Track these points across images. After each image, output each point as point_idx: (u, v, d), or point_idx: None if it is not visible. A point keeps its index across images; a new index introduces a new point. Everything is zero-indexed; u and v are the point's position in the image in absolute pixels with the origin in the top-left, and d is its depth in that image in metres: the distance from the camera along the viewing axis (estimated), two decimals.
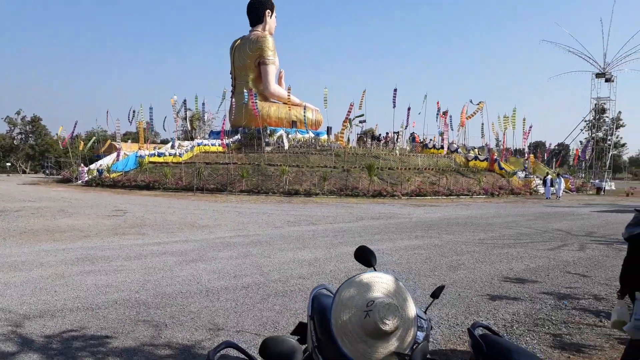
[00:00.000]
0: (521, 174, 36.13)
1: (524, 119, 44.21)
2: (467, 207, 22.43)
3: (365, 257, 2.55)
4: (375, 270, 2.39)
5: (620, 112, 70.71)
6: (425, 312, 2.41)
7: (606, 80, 54.26)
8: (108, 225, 13.40)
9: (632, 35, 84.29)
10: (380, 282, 2.11)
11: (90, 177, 32.99)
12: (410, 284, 7.10)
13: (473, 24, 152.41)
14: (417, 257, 9.39)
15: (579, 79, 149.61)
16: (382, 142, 42.21)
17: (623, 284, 3.49)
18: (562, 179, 32.96)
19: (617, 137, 71.90)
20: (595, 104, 56.32)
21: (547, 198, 30.60)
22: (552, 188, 31.50)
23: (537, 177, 37.21)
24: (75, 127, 41.55)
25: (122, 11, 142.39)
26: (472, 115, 41.42)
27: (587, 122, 60.25)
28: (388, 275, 2.16)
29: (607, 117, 60.52)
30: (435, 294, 2.48)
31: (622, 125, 74.90)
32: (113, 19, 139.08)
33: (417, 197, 27.51)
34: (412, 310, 2.06)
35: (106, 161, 34.79)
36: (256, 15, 43.71)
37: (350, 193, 27.05)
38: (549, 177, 33.16)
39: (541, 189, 35.16)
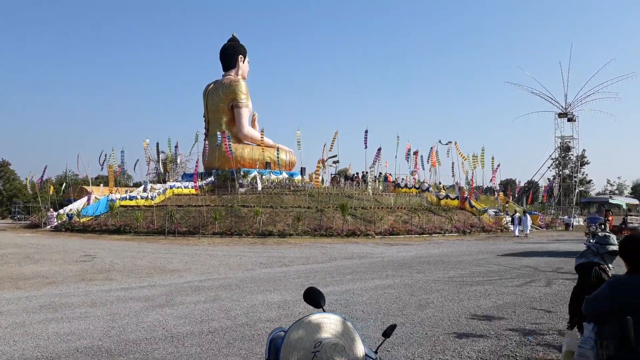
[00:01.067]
0: (492, 212, 36.75)
1: (493, 158, 45.42)
2: (439, 245, 22.64)
3: (314, 298, 2.60)
4: (324, 311, 2.44)
5: (584, 150, 73.01)
6: (376, 352, 2.44)
7: (568, 120, 56.34)
8: (75, 271, 13.09)
9: (590, 77, 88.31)
10: (328, 323, 2.16)
11: (59, 222, 32.29)
12: (375, 324, 7.11)
13: (440, 66, 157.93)
14: (387, 297, 9.42)
15: (543, 118, 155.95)
16: (354, 181, 42.61)
17: (572, 314, 3.59)
18: (529, 216, 33.22)
19: (582, 174, 74.00)
20: (560, 143, 58.23)
21: (515, 236, 30.63)
22: (519, 226, 31.92)
23: (507, 214, 37.88)
24: (45, 171, 40.91)
25: (94, 54, 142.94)
26: (464, 157, 42.17)
27: (554, 160, 62.04)
28: (336, 315, 2.21)
29: (572, 154, 62.49)
30: (387, 333, 2.53)
31: (587, 163, 77.17)
32: (83, 61, 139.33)
33: (391, 236, 27.66)
34: (360, 350, 2.11)
35: (76, 205, 34.18)
36: (229, 60, 44.41)
37: (324, 233, 27.05)
38: (517, 214, 33.55)
39: (511, 226, 35.74)
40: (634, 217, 22.13)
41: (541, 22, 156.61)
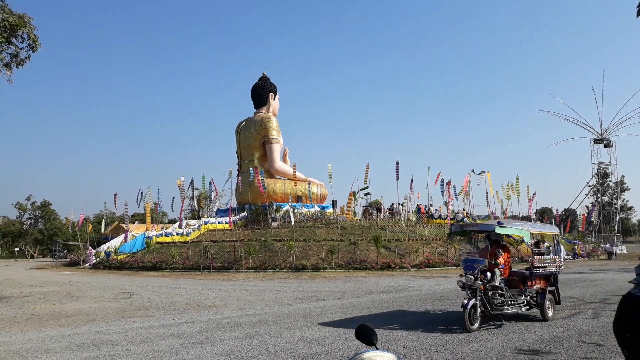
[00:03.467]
0: (529, 241, 35.78)
1: (528, 186, 44.49)
2: None
3: (366, 335, 2.58)
4: (377, 348, 2.42)
5: (623, 176, 70.97)
6: None
7: (605, 146, 54.98)
8: (114, 308, 13.28)
9: (625, 102, 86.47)
10: None
11: (97, 259, 32.93)
12: None
13: (471, 96, 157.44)
14: (429, 332, 9.20)
15: (578, 145, 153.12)
16: (385, 213, 42.31)
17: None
18: (562, 247, 29.93)
19: (623, 201, 71.72)
20: (597, 169, 56.71)
21: None
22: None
23: (545, 243, 36.82)
24: (84, 210, 42.11)
25: (130, 95, 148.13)
26: (491, 189, 41.53)
27: (591, 187, 60.39)
28: (389, 354, 2.19)
29: (610, 181, 60.76)
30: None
31: (627, 189, 74.91)
32: (118, 101, 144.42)
33: (427, 269, 27.17)
34: None
35: (114, 243, 34.84)
36: (260, 98, 45.32)
37: (358, 266, 26.76)
38: (546, 244, 31.32)
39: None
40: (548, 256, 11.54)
41: (571, 48, 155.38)
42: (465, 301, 9.15)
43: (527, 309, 10.55)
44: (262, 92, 45.33)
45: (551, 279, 11.07)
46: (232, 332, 9.43)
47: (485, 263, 9.68)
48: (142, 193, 41.51)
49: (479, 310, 9.27)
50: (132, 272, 27.92)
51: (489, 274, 9.64)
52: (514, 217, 45.14)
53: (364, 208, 44.86)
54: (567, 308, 12.11)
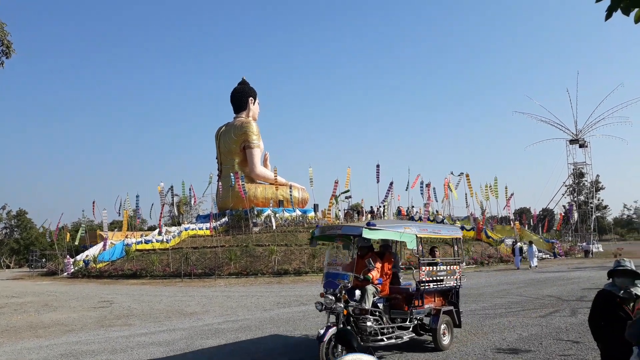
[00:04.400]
0: (509, 241, 36.27)
1: (506, 187, 45.13)
2: None
3: (347, 339, 2.62)
4: (357, 352, 2.44)
5: (598, 176, 72.47)
6: None
7: (580, 146, 56.08)
8: (94, 318, 13.09)
9: (599, 103, 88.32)
10: None
11: (76, 268, 32.38)
12: None
13: (449, 99, 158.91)
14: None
15: (554, 145, 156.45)
16: (365, 216, 42.50)
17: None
18: (535, 246, 30.03)
19: (598, 200, 73.20)
20: (573, 169, 57.80)
21: (517, 268, 27.90)
22: (520, 256, 29.09)
23: (524, 243, 37.41)
24: (60, 218, 41.40)
25: (106, 101, 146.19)
26: (469, 189, 42.05)
27: (568, 187, 61.50)
28: (370, 357, 2.22)
29: (586, 180, 61.97)
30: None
31: (602, 188, 76.51)
32: (95, 108, 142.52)
33: (407, 270, 27.29)
34: None
35: (92, 251, 34.31)
36: (240, 103, 45.20)
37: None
38: (518, 244, 30.95)
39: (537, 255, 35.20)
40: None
41: (546, 51, 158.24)
42: (322, 331, 6.76)
43: (415, 336, 8.12)
44: (241, 97, 45.22)
45: (450, 295, 8.85)
46: (213, 339, 9.37)
47: (349, 278, 7.23)
48: (121, 200, 41.07)
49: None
50: (111, 281, 27.54)
51: (357, 292, 7.23)
52: (492, 218, 45.81)
53: (346, 211, 45.00)
54: (545, 306, 12.31)
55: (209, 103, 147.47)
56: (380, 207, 42.51)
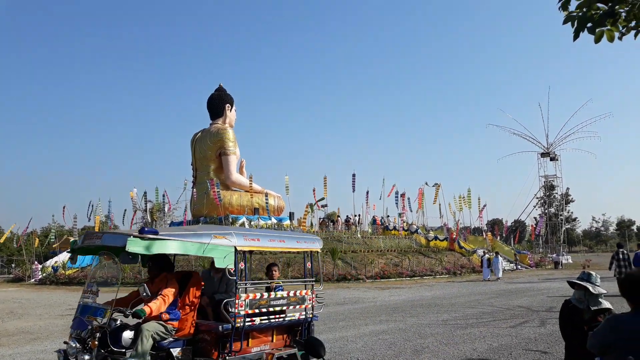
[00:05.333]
0: (480, 252, 36.79)
1: (479, 198, 45.81)
2: (431, 288, 22.51)
3: (314, 348, 2.62)
4: None
5: (568, 188, 74.13)
6: None
7: (551, 159, 57.34)
8: (61, 326, 12.78)
9: (569, 118, 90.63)
10: None
11: (44, 274, 31.63)
12: None
13: (424, 111, 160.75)
14: (382, 343, 9.30)
15: (526, 158, 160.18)
16: (341, 225, 42.64)
17: None
18: (501, 258, 29.99)
19: (568, 212, 74.82)
20: (544, 182, 59.03)
21: (485, 279, 27.36)
22: (489, 268, 28.25)
23: (491, 254, 38.02)
24: (29, 223, 40.41)
25: (78, 102, 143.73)
26: (435, 198, 42.57)
27: (539, 199, 62.73)
28: None
29: (556, 193, 63.33)
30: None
31: (571, 201, 78.28)
32: (67, 109, 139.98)
33: (382, 280, 27.47)
34: None
35: (62, 257, 33.57)
36: (216, 109, 44.94)
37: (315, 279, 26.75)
38: (486, 256, 30.23)
39: (503, 266, 35.67)
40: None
41: (519, 66, 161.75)
42: None
43: None
44: (218, 103, 44.99)
45: (299, 332, 6.17)
46: None
47: (104, 314, 5.03)
48: (92, 205, 40.31)
49: None
50: (81, 288, 26.84)
51: (127, 334, 5.00)
52: (465, 229, 46.42)
53: (321, 220, 45.04)
54: (515, 317, 12.50)
55: (185, 108, 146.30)
56: (356, 216, 42.72)
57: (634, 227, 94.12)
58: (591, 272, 4.62)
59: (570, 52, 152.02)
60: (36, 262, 34.40)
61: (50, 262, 33.48)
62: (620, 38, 3.52)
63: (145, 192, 44.60)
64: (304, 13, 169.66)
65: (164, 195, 43.42)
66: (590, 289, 4.39)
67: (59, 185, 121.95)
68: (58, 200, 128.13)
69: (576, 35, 3.55)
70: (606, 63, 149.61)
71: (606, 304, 4.42)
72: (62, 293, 23.98)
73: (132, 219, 38.94)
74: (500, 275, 28.09)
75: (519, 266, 37.69)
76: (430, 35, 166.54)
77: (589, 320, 4.30)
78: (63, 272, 30.87)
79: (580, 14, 3.55)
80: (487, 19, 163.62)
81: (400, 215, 40.46)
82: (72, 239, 5.97)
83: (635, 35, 3.48)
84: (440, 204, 43.30)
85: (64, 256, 33.61)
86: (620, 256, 17.56)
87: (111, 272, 22.97)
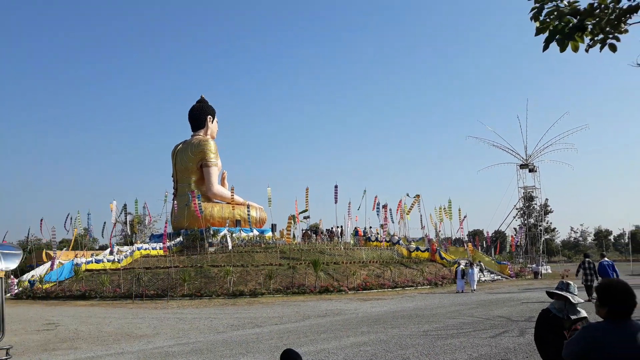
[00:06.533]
0: (463, 263, 37.06)
1: (460, 209, 46.21)
2: (412, 299, 22.58)
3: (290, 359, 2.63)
4: None
5: (547, 199, 75.12)
6: None
7: (530, 171, 58.17)
8: (37, 341, 12.51)
9: (546, 130, 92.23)
10: None
11: (20, 289, 30.92)
12: None
13: (406, 122, 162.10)
14: (363, 355, 9.30)
15: (506, 169, 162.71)
16: (323, 236, 42.62)
17: None
18: (476, 269, 29.34)
19: (547, 223, 75.76)
20: (524, 193, 59.80)
21: (459, 291, 26.27)
22: (463, 280, 27.18)
23: (477, 264, 38.29)
24: (5, 236, 39.54)
25: (56, 114, 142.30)
26: (411, 209, 42.90)
27: (518, 210, 63.48)
28: None
29: (535, 204, 64.16)
30: None
31: (550, 211, 79.29)
32: (46, 121, 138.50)
33: (364, 291, 27.45)
34: None
35: (39, 271, 32.87)
36: (198, 121, 44.84)
37: (297, 290, 26.65)
38: (460, 267, 29.05)
39: (483, 277, 35.96)
40: None
41: (498, 78, 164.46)
42: None
43: None
44: (200, 115, 44.89)
45: None
46: None
47: None
48: (71, 218, 39.70)
49: None
50: (58, 302, 26.41)
51: None
52: (446, 240, 46.74)
53: (304, 231, 44.97)
54: (495, 327, 12.60)
55: (166, 120, 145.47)
56: (338, 227, 42.75)
57: (611, 237, 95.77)
58: (569, 282, 4.73)
59: (547, 65, 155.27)
60: (12, 276, 33.62)
61: (27, 276, 32.74)
62: (587, 50, 3.63)
63: (125, 204, 44.09)
64: (286, 23, 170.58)
65: (144, 207, 42.98)
66: (571, 298, 4.48)
67: (35, 198, 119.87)
68: (35, 213, 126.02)
69: (546, 46, 3.66)
70: (582, 76, 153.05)
71: (583, 312, 4.53)
72: (39, 308, 23.47)
73: (112, 232, 38.40)
74: (474, 287, 27.51)
75: (500, 277, 38.02)
76: (411, 48, 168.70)
77: (569, 328, 4.39)
78: (40, 286, 30.20)
79: (551, 27, 3.66)
80: (466, 31, 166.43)
81: (382, 226, 40.59)
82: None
83: (601, 48, 3.59)
84: (421, 215, 43.61)
85: (41, 270, 32.95)
86: (587, 265, 19.05)
87: None
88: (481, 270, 29.52)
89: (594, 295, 3.43)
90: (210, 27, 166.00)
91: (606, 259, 19.60)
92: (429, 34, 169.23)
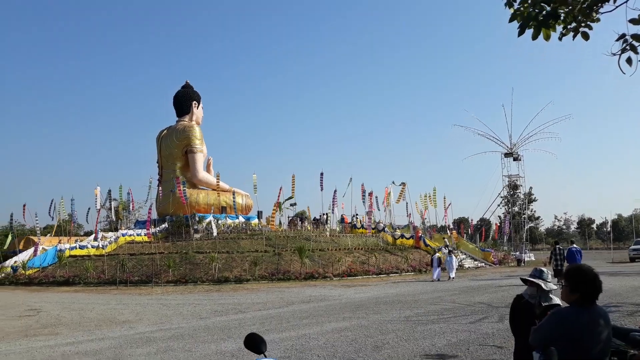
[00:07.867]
0: (445, 250, 37.40)
1: (444, 197, 46.58)
2: (396, 285, 22.78)
3: (255, 344, 2.65)
4: (265, 357, 2.48)
5: (531, 188, 75.95)
6: None
7: (514, 159, 58.77)
8: (17, 327, 12.44)
9: (531, 119, 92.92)
10: None
11: (2, 275, 30.63)
12: None
13: (391, 111, 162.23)
14: (343, 340, 9.39)
15: (490, 158, 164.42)
16: (309, 223, 42.72)
17: None
18: (454, 257, 28.85)
19: (531, 211, 76.68)
20: (508, 181, 60.43)
21: (434, 280, 25.45)
22: (439, 268, 26.40)
23: (460, 252, 38.67)
24: None
25: (39, 96, 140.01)
26: (399, 199, 43.10)
27: (503, 198, 64.18)
28: None
29: (519, 192, 64.89)
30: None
31: (534, 200, 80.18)
32: (27, 103, 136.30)
33: (349, 278, 27.64)
34: None
35: (22, 257, 32.58)
36: (182, 106, 44.39)
37: (282, 277, 26.75)
38: (436, 255, 28.15)
39: (467, 264, 36.35)
40: None
41: (484, 67, 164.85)
42: None
43: None
44: (184, 101, 44.46)
45: None
46: (144, 348, 9.13)
47: None
48: (54, 204, 39.30)
49: None
50: (41, 288, 26.24)
51: None
52: (432, 227, 47.12)
53: (290, 218, 45.01)
54: (475, 313, 12.77)
55: (151, 105, 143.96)
56: (323, 215, 42.84)
57: (594, 226, 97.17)
58: (543, 269, 4.79)
59: (533, 54, 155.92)
60: None
61: (9, 262, 32.43)
62: (560, 38, 3.66)
63: (109, 190, 43.71)
64: (273, 8, 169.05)
65: (128, 193, 42.65)
66: (543, 285, 4.55)
67: (17, 183, 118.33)
68: (18, 199, 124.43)
69: (521, 32, 3.68)
70: (566, 66, 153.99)
71: (556, 299, 4.59)
72: (22, 294, 23.30)
73: (97, 218, 38.12)
74: (453, 275, 26.58)
75: (483, 264, 38.48)
76: (397, 38, 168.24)
77: (540, 315, 4.45)
78: (23, 272, 29.95)
79: (525, 14, 3.68)
80: (451, 20, 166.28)
81: (367, 213, 40.76)
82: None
83: (574, 37, 3.62)
84: (407, 203, 43.83)
85: (24, 256, 32.66)
86: (557, 251, 20.09)
87: None
88: (450, 253, 28.11)
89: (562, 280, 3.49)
90: (198, 14, 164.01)
91: (575, 245, 21.21)
92: (414, 23, 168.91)
